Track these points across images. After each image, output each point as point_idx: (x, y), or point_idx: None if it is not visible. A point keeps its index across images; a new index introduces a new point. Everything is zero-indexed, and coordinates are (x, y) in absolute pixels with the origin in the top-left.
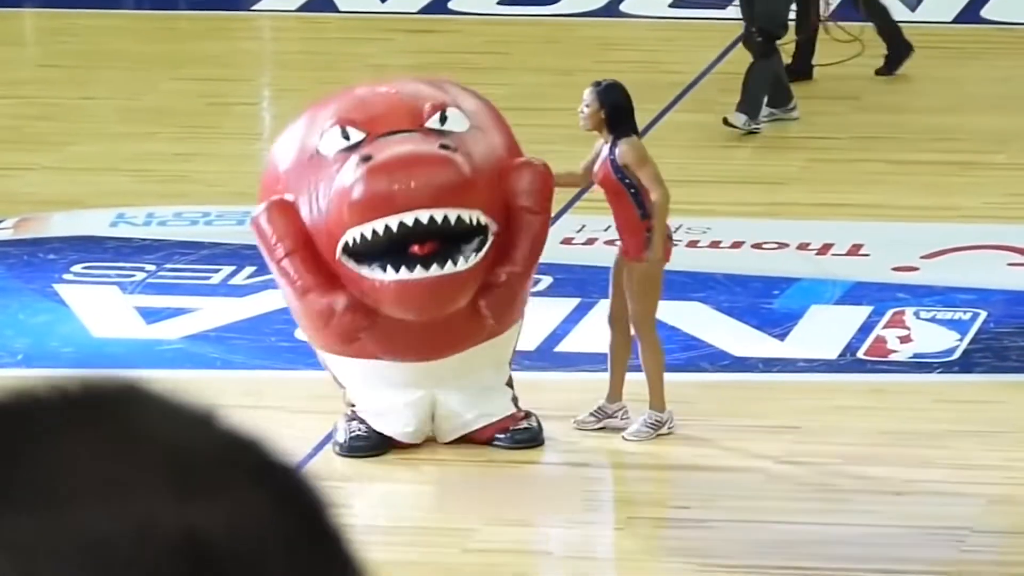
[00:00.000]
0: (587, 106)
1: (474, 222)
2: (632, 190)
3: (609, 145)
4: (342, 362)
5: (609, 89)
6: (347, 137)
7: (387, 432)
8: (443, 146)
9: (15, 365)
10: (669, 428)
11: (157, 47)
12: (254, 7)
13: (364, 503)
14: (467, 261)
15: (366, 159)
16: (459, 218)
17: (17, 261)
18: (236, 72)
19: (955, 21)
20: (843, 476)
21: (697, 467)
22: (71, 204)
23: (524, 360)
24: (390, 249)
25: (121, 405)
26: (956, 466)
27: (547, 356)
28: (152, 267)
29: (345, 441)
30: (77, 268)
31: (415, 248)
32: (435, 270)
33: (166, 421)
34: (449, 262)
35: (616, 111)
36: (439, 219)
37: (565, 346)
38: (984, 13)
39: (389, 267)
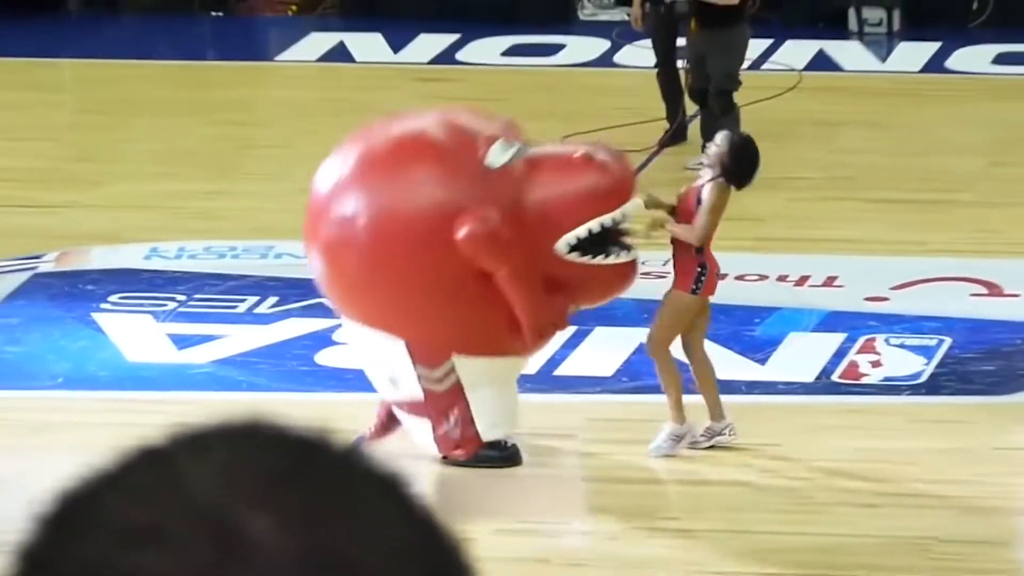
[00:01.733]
0: (716, 144)
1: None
2: None
3: (708, 180)
4: (478, 365)
5: (741, 140)
6: (509, 148)
7: (501, 435)
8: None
9: (56, 387)
10: (691, 439)
11: (187, 94)
12: (277, 58)
13: None
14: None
15: (589, 156)
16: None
17: (59, 291)
18: (260, 117)
19: (922, 71)
20: (820, 489)
21: (685, 481)
22: (108, 239)
23: (526, 383)
24: (605, 239)
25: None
26: (924, 480)
27: (547, 379)
28: (183, 297)
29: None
30: (114, 298)
31: (619, 234)
32: (636, 251)
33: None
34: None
35: (734, 158)
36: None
37: (563, 370)
38: (948, 64)
39: (618, 252)
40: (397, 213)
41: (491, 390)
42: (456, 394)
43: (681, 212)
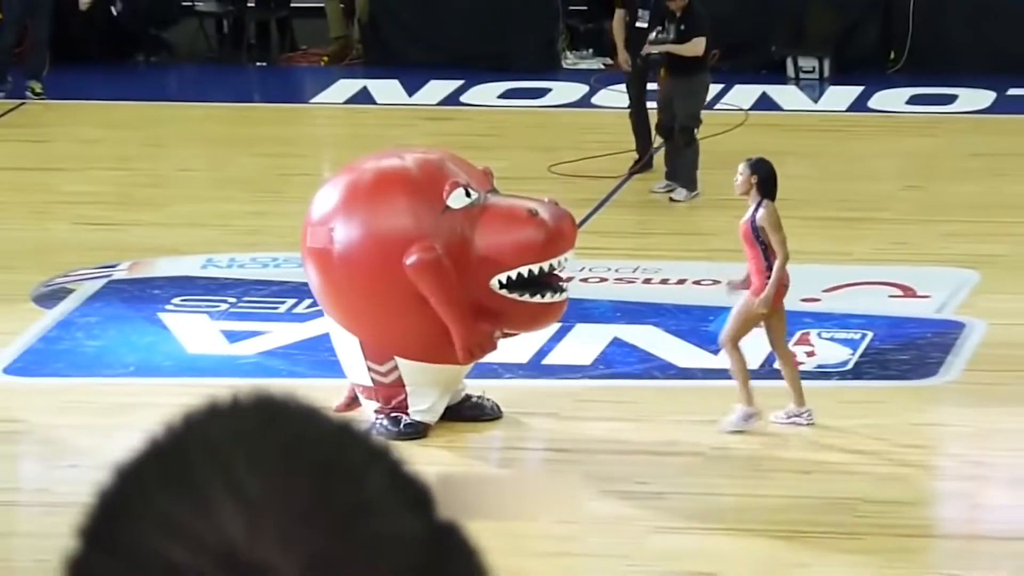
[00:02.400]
0: (740, 174)
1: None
2: (762, 246)
3: (754, 207)
4: (420, 367)
5: (759, 162)
6: (469, 195)
7: (426, 420)
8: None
9: (128, 375)
10: (752, 423)
11: (236, 130)
12: (311, 101)
13: None
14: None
15: (533, 213)
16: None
17: (130, 295)
18: (298, 150)
19: (848, 110)
20: (764, 458)
21: (653, 452)
22: (171, 251)
23: (518, 370)
24: (539, 280)
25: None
26: (851, 451)
27: (536, 367)
28: (233, 299)
29: (399, 428)
30: (176, 300)
31: (554, 279)
32: (566, 293)
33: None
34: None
35: (763, 179)
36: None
37: (549, 360)
38: (870, 104)
39: (548, 293)
40: (365, 232)
41: (429, 388)
42: (398, 386)
43: (743, 238)
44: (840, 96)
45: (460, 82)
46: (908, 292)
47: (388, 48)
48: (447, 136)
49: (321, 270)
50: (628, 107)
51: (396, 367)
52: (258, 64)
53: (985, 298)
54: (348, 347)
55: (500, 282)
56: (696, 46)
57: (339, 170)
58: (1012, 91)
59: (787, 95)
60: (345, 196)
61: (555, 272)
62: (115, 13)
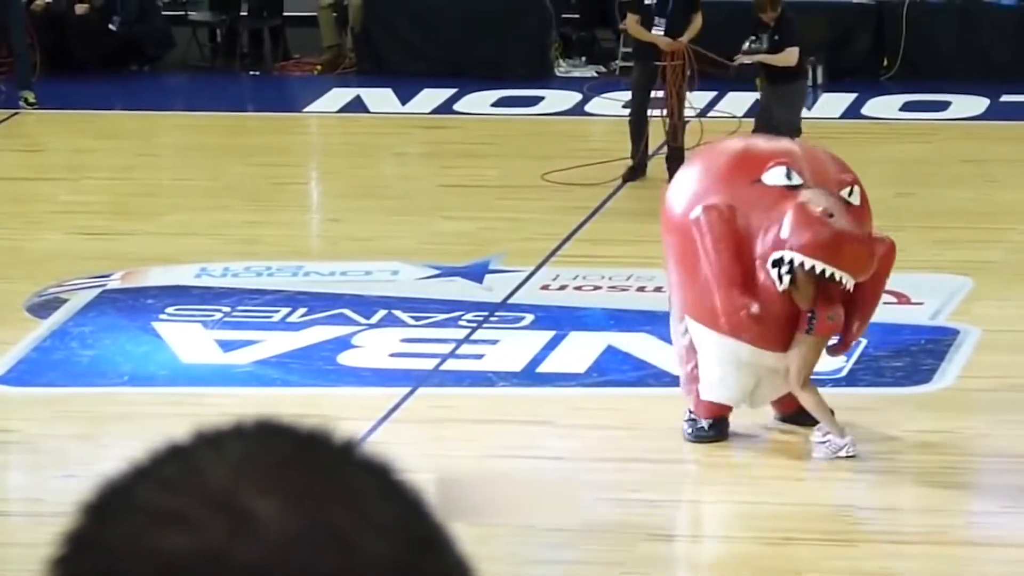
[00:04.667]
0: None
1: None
2: None
3: None
4: (711, 335)
5: None
6: (790, 177)
7: (714, 398)
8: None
9: (122, 384)
10: (848, 451)
11: (230, 140)
12: (305, 109)
13: None
14: None
15: (830, 215)
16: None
17: (124, 304)
18: (291, 159)
19: (842, 117)
20: (757, 466)
21: (647, 460)
22: (165, 261)
23: (512, 378)
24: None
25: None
26: (845, 458)
27: (530, 375)
28: (227, 308)
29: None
30: (170, 310)
31: (833, 289)
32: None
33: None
34: None
35: None
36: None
37: (544, 368)
38: (863, 111)
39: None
40: (683, 190)
41: (716, 363)
42: (691, 351)
43: None
44: (833, 103)
45: (453, 90)
46: (902, 299)
47: (381, 57)
48: (441, 144)
49: (664, 234)
50: (629, 113)
51: (687, 330)
52: (251, 73)
53: (979, 305)
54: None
55: (774, 260)
56: (789, 56)
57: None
58: (1005, 98)
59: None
60: (695, 164)
61: (835, 282)
62: (113, 28)
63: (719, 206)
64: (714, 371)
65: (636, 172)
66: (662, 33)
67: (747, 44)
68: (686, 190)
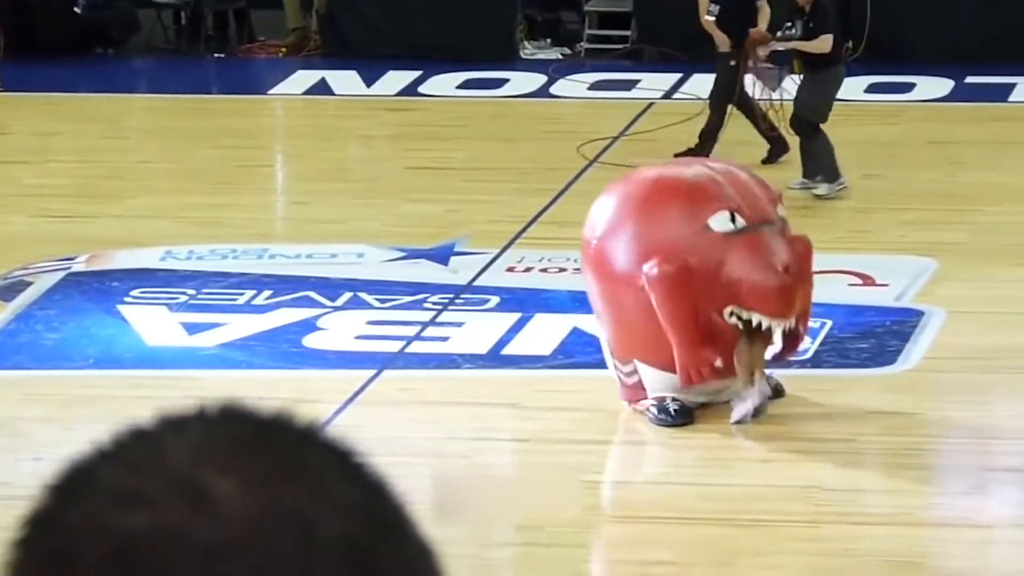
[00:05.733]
0: None
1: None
2: None
3: None
4: (658, 374)
5: None
6: (734, 221)
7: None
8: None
9: (87, 367)
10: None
11: (195, 122)
12: (270, 92)
13: None
14: None
15: (786, 269)
16: None
17: (88, 288)
18: (256, 141)
19: None
20: (722, 447)
21: (612, 442)
22: (130, 244)
23: (477, 360)
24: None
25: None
26: (810, 439)
27: (495, 358)
28: (192, 291)
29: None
30: (135, 292)
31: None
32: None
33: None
34: None
35: None
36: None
37: (509, 350)
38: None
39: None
40: (623, 233)
41: (668, 395)
42: (639, 389)
43: None
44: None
45: (418, 73)
46: (867, 280)
47: (346, 39)
48: (406, 127)
49: (584, 258)
50: (726, 100)
51: (636, 371)
52: (216, 55)
53: (944, 286)
54: (601, 340)
55: (733, 313)
56: (822, 43)
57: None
58: (970, 79)
59: (746, 84)
60: (622, 195)
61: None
62: (78, 11)
63: (673, 266)
64: (668, 399)
65: (776, 149)
66: (713, 19)
67: (783, 31)
68: (621, 233)
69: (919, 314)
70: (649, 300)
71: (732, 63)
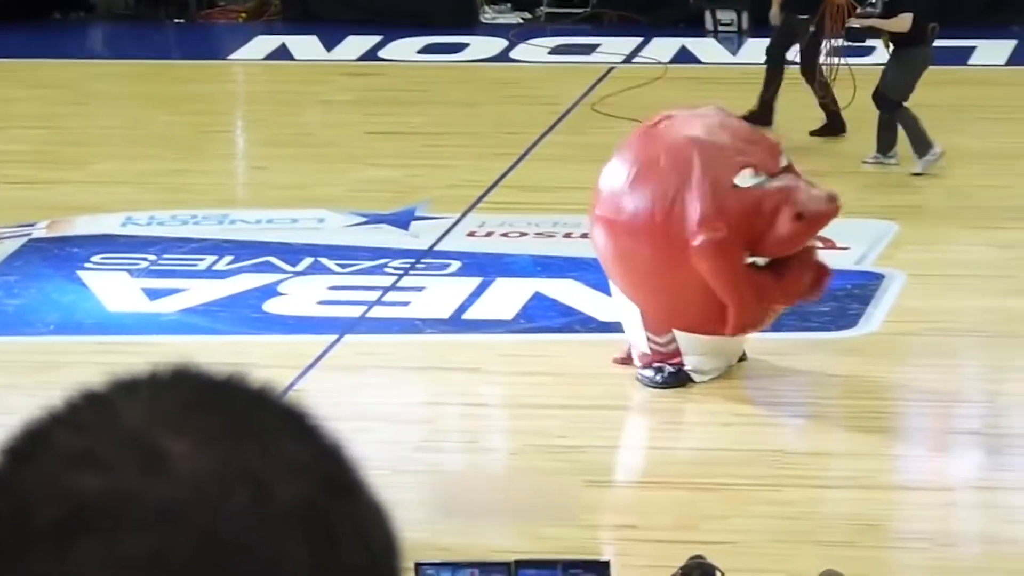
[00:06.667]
0: None
1: None
2: None
3: None
4: (698, 338)
5: None
6: (757, 176)
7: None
8: (831, 197)
9: (48, 333)
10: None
11: (156, 88)
12: (230, 57)
13: None
14: None
15: (799, 217)
16: None
17: (49, 254)
18: (217, 107)
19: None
20: (684, 411)
21: (574, 406)
22: (91, 209)
23: (439, 325)
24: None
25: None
26: (771, 403)
27: (457, 322)
28: (154, 257)
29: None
30: (96, 258)
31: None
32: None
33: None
34: None
35: None
36: None
37: (471, 315)
38: (789, 56)
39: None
40: (653, 207)
41: (709, 358)
42: (676, 354)
43: None
44: (758, 49)
45: (379, 38)
46: (827, 244)
47: (306, 4)
48: (367, 92)
49: (607, 238)
50: (765, 61)
51: (674, 339)
52: (176, 21)
53: (904, 249)
54: (630, 314)
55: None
56: (902, 21)
57: (631, 133)
58: (937, 42)
59: (706, 48)
60: (637, 167)
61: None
62: None
63: (718, 234)
64: (705, 367)
65: (830, 124)
66: None
67: (862, 8)
68: (647, 191)
69: (880, 277)
70: (688, 269)
71: (812, 29)
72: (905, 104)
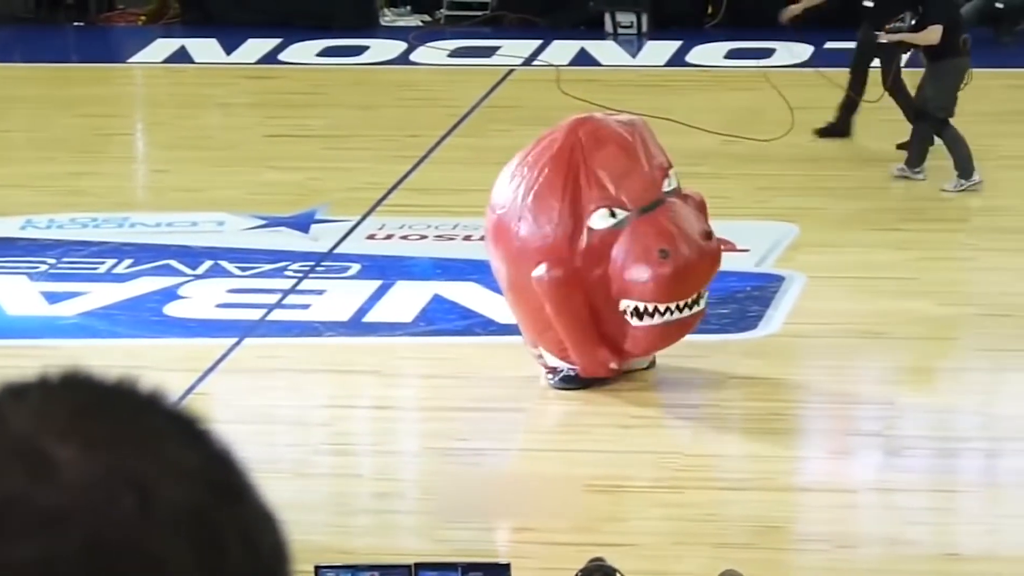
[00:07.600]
0: None
1: None
2: None
3: None
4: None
5: None
6: (614, 216)
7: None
8: (707, 234)
9: None
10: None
11: (55, 91)
12: (129, 60)
13: None
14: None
15: (664, 254)
16: None
17: None
18: (116, 110)
19: (666, 65)
20: (584, 413)
21: (474, 408)
22: None
23: (339, 328)
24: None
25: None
26: (671, 405)
27: (357, 325)
28: (53, 260)
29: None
30: None
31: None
32: (698, 307)
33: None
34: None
35: None
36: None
37: (370, 317)
38: (688, 59)
39: (675, 311)
40: (514, 229)
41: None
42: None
43: None
44: (658, 51)
45: (278, 40)
46: (727, 246)
47: (205, 7)
48: (266, 95)
49: (490, 244)
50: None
51: (542, 355)
52: (76, 24)
53: (804, 251)
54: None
55: (626, 309)
56: (930, 34)
57: (535, 138)
58: (829, 44)
59: (605, 50)
60: (518, 175)
61: (685, 306)
62: None
63: (562, 271)
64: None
65: (838, 124)
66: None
67: (896, 22)
68: (515, 227)
69: (780, 279)
70: (529, 287)
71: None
72: (951, 122)
